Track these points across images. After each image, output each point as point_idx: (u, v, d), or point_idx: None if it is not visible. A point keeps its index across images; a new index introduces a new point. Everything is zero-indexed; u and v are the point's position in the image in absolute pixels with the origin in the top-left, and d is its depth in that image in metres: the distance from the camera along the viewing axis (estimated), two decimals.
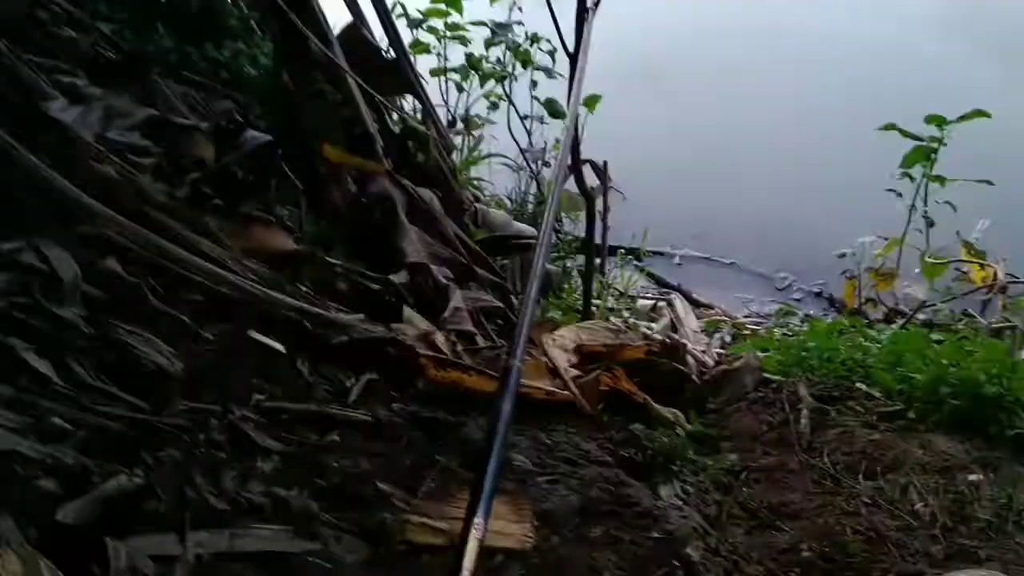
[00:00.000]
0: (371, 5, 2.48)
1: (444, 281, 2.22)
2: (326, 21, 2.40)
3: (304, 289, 1.86)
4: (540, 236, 1.70)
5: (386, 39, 2.76)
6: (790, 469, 1.82)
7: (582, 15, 2.37)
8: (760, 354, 2.52)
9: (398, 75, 2.49)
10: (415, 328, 1.93)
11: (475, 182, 3.75)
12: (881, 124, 3.47)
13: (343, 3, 2.58)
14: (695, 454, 1.84)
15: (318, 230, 2.17)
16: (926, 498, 1.65)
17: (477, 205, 3.04)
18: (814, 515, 1.65)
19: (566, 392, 1.90)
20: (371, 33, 2.61)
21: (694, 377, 2.33)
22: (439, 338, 1.93)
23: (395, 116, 2.73)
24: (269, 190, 2.04)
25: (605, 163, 4.23)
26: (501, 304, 2.37)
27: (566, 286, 3.68)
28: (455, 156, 4.00)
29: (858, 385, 2.25)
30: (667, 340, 2.72)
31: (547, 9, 2.44)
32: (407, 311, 2.00)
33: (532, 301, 1.38)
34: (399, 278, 2.14)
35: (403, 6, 3.92)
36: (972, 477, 1.72)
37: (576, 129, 2.87)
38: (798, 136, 5.29)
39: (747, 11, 6.60)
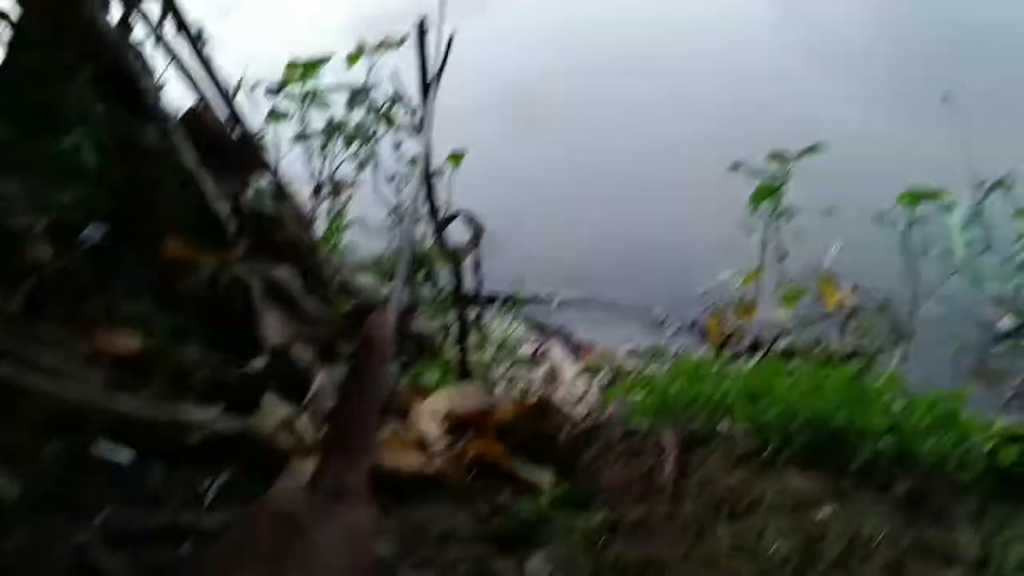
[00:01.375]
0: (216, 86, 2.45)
1: (307, 362, 2.20)
2: (162, 107, 2.37)
3: (154, 390, 1.82)
4: (392, 300, 1.72)
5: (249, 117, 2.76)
6: (656, 521, 1.87)
7: (426, 88, 2.42)
8: (630, 399, 2.59)
9: (247, 154, 2.48)
10: (276, 416, 1.92)
11: (342, 249, 3.74)
12: (761, 154, 3.65)
13: (189, 86, 2.55)
14: (565, 516, 1.87)
15: (170, 324, 2.12)
16: (780, 538, 1.72)
17: (342, 274, 3.04)
18: (679, 567, 1.69)
19: (435, 465, 1.91)
20: (228, 111, 2.60)
21: (565, 434, 2.37)
22: (302, 423, 1.92)
23: (252, 194, 2.71)
24: (114, 288, 2.00)
25: (471, 218, 4.31)
26: None
27: (444, 344, 3.69)
28: (320, 224, 4.01)
29: (722, 424, 2.33)
30: (540, 397, 2.76)
31: (410, 65, 2.49)
32: (267, 399, 1.98)
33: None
34: (259, 365, 2.12)
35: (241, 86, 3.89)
36: (823, 512, 1.80)
37: (431, 188, 2.90)
38: (669, 170, 5.47)
39: (620, 45, 6.85)
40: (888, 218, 3.80)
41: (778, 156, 3.57)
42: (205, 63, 2.38)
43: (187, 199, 2.34)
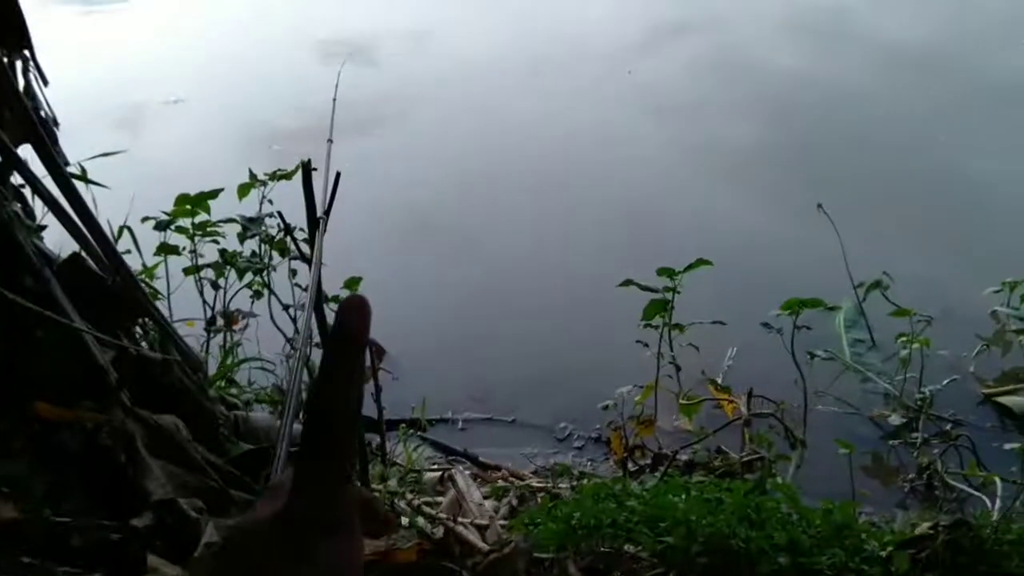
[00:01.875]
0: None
1: (194, 515, 2.11)
2: (43, 255, 2.31)
3: (26, 560, 1.71)
4: (279, 444, 1.68)
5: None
6: None
7: (313, 225, 2.43)
8: (533, 528, 2.56)
9: (128, 300, 2.42)
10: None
11: (233, 389, 3.65)
12: (657, 267, 3.74)
13: (67, 234, 2.49)
14: None
15: (46, 485, 2.01)
16: None
17: (237, 413, 2.95)
18: None
19: None
20: (108, 255, 2.54)
21: (469, 569, 2.32)
22: None
23: (140, 340, 2.64)
24: None
25: (370, 342, 4.28)
26: None
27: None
28: (213, 360, 3.91)
29: (626, 548, 2.32)
30: (444, 529, 2.71)
31: (301, 196, 2.48)
32: (152, 558, 1.89)
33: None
34: (143, 521, 2.02)
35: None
36: None
37: (323, 318, 2.88)
38: (562, 285, 5.56)
39: (514, 162, 7.04)
40: (775, 324, 3.94)
41: (667, 271, 3.68)
42: (83, 208, 2.34)
43: (66, 350, 2.26)
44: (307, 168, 2.34)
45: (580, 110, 7.78)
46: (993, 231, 5.56)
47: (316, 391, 0.63)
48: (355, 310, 0.63)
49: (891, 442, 4.13)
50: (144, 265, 4.02)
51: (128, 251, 3.84)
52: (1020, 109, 7.05)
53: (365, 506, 0.63)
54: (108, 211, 3.42)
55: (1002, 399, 4.24)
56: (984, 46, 8.27)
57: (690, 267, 3.65)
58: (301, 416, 3.87)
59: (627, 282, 3.71)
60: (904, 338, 4.25)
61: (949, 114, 7.09)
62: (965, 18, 9.06)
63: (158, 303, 4.00)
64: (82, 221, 2.35)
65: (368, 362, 4.25)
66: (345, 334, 0.63)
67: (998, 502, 3.42)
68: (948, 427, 4.07)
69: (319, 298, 2.70)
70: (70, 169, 3.04)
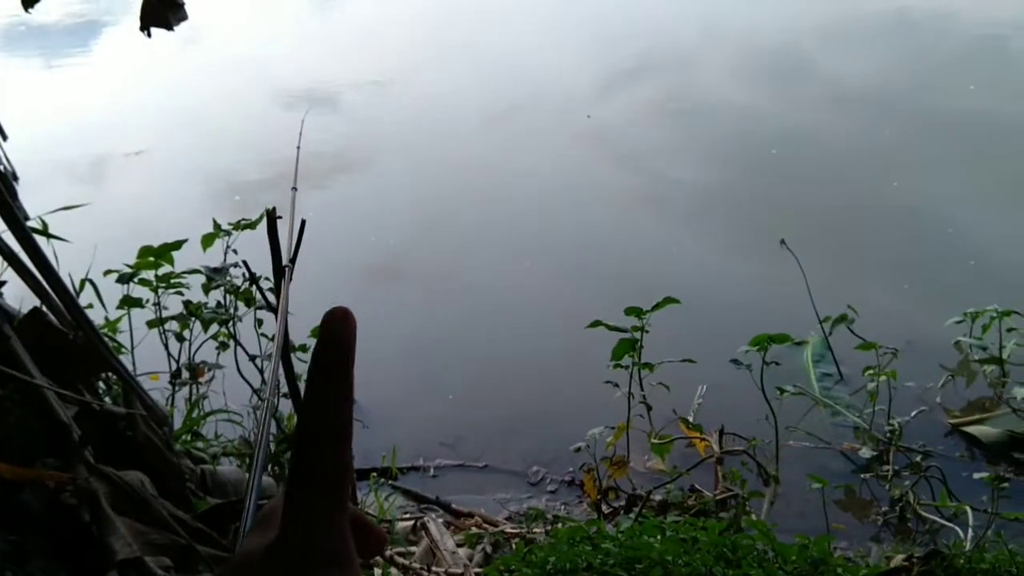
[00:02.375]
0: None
1: (161, 573, 2.05)
2: (3, 310, 2.27)
3: None
4: (247, 497, 1.64)
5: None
6: None
7: (279, 273, 2.41)
8: (508, 575, 2.53)
9: (90, 356, 2.38)
10: None
11: (200, 443, 3.58)
12: (623, 305, 3.76)
13: (28, 289, 2.45)
14: None
15: (7, 546, 1.95)
16: None
17: (204, 467, 2.90)
18: None
19: None
20: (68, 310, 2.50)
21: None
22: None
23: (103, 395, 2.59)
24: None
25: None
26: None
27: None
28: (179, 413, 3.85)
29: None
30: None
31: (266, 245, 2.46)
32: None
33: None
34: None
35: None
36: None
37: (290, 368, 2.85)
38: (530, 329, 5.56)
39: (474, 207, 7.06)
40: (744, 360, 3.96)
41: (635, 310, 3.70)
42: (43, 262, 2.30)
43: (27, 407, 2.21)
44: (272, 216, 2.33)
45: (542, 155, 7.85)
46: (951, 263, 5.67)
47: (305, 405, 0.60)
48: (340, 320, 0.59)
49: (863, 475, 4.15)
50: (107, 319, 3.97)
51: (91, 305, 3.80)
52: (970, 146, 7.23)
53: (355, 523, 0.61)
54: (70, 264, 3.38)
55: (969, 428, 4.29)
56: (933, 87, 8.49)
57: (657, 306, 3.68)
58: (270, 469, 3.82)
59: (595, 323, 3.72)
60: (871, 371, 4.29)
61: (902, 151, 7.24)
62: (914, 60, 9.30)
63: (122, 357, 3.95)
64: (43, 275, 2.31)
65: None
66: (332, 344, 0.60)
67: (970, 531, 3.45)
68: (918, 458, 4.11)
69: (286, 346, 2.68)
70: (31, 223, 3.01)
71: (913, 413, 4.35)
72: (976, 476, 3.74)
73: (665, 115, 8.55)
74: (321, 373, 0.57)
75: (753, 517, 3.23)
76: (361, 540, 0.60)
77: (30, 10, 2.58)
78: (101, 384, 2.79)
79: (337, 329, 0.58)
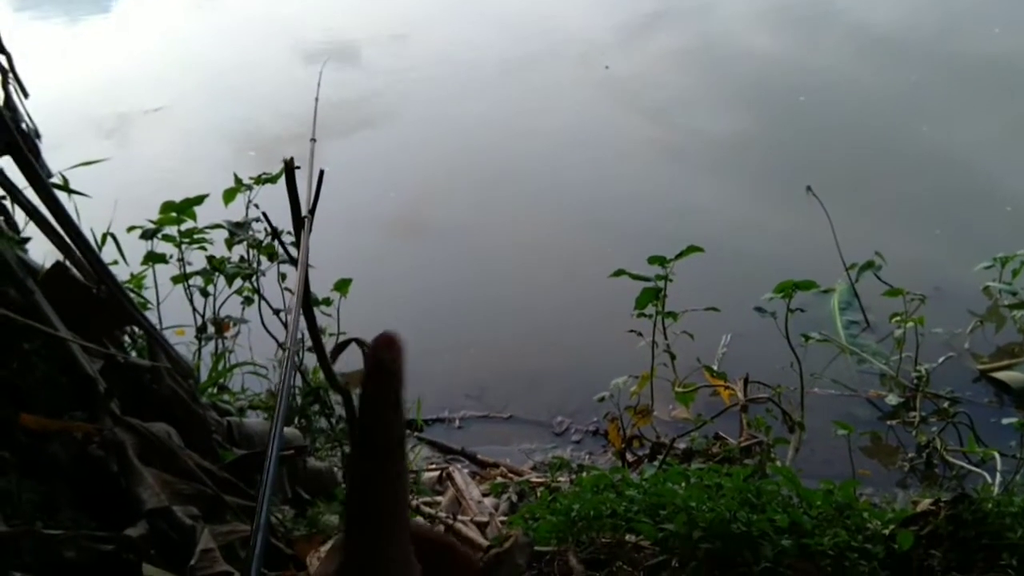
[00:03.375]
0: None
1: (189, 522, 2.08)
2: (27, 266, 2.28)
3: (19, 575, 1.68)
4: (269, 448, 1.65)
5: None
6: None
7: (299, 224, 2.40)
8: (533, 522, 2.54)
9: (114, 309, 2.39)
10: None
11: (226, 396, 3.61)
12: (646, 257, 3.72)
13: (51, 245, 2.46)
14: None
15: (37, 497, 1.98)
16: None
17: (230, 419, 2.92)
18: None
19: None
20: (92, 264, 2.50)
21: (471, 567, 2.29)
22: None
23: (128, 349, 2.61)
24: None
25: (364, 344, 4.26)
26: None
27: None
28: (205, 366, 3.89)
29: (627, 538, 2.30)
30: (444, 528, 2.68)
31: (287, 200, 2.45)
32: (147, 568, 1.86)
33: (263, 525, 1.33)
34: (137, 530, 1.98)
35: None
36: None
37: (315, 323, 2.85)
38: (553, 280, 5.54)
39: (495, 159, 7.02)
40: (769, 308, 3.92)
41: (658, 259, 3.66)
42: (65, 218, 2.31)
43: (53, 361, 2.23)
44: (290, 166, 2.31)
45: (563, 106, 7.76)
46: (980, 208, 5.56)
47: (358, 428, 0.59)
48: (387, 346, 0.59)
49: (889, 422, 4.12)
50: (132, 274, 3.99)
51: (115, 261, 3.82)
52: (995, 91, 7.05)
53: (439, 548, 0.59)
54: (91, 220, 3.40)
55: (998, 374, 4.24)
56: (959, 31, 8.26)
57: (681, 254, 3.64)
58: (296, 421, 3.85)
59: (619, 272, 3.69)
60: (898, 318, 4.24)
61: (929, 96, 7.09)
62: (940, 3, 9.06)
63: (148, 313, 3.98)
64: (65, 231, 2.31)
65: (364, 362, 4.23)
66: (380, 370, 0.59)
67: (998, 476, 3.42)
68: (945, 405, 4.07)
69: (307, 298, 2.67)
70: (53, 180, 3.01)
71: (941, 359, 4.30)
72: (1005, 422, 3.70)
73: (687, 63, 8.41)
74: (371, 398, 0.56)
75: (778, 464, 3.22)
76: (445, 566, 0.59)
77: None
78: (126, 338, 2.81)
79: (384, 355, 0.57)
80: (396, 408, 0.57)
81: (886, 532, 2.23)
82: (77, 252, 2.41)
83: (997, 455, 3.46)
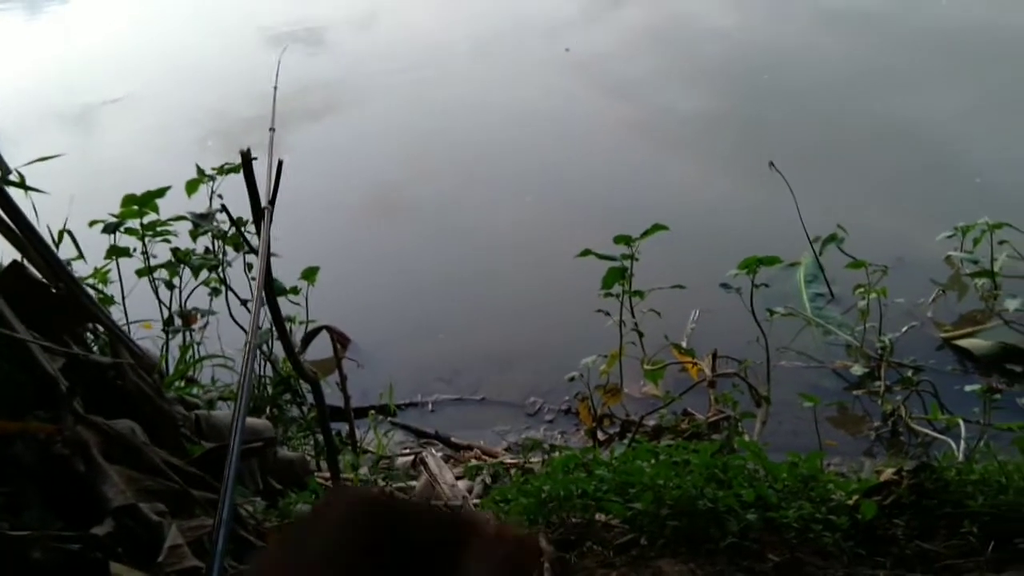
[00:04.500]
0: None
1: (156, 518, 2.07)
2: None
3: None
4: (231, 441, 1.64)
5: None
6: None
7: (258, 215, 2.38)
8: (505, 505, 2.56)
9: (74, 307, 2.36)
10: None
11: (195, 389, 3.59)
12: (611, 237, 3.73)
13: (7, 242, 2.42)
14: None
15: (2, 499, 1.97)
16: None
17: (198, 412, 2.91)
18: None
19: None
20: (50, 263, 2.47)
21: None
22: None
23: (91, 346, 2.59)
24: None
25: (333, 331, 4.26)
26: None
27: (315, 468, 3.58)
28: (173, 361, 3.86)
29: (597, 517, 2.32)
30: None
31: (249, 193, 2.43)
32: (115, 567, 1.85)
33: (224, 525, 1.34)
34: (103, 529, 1.97)
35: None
36: None
37: (279, 313, 2.84)
38: (522, 261, 5.54)
39: (461, 142, 6.99)
40: (734, 284, 3.95)
41: (624, 238, 3.67)
42: (20, 216, 2.28)
43: (13, 361, 2.21)
44: (247, 158, 2.30)
45: (530, 87, 7.75)
46: (941, 180, 5.63)
47: None
48: (529, 548, 0.57)
49: (855, 392, 4.18)
50: (96, 269, 3.95)
51: (79, 256, 3.78)
52: (950, 64, 7.12)
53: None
54: (52, 215, 3.36)
55: (961, 342, 4.31)
56: (909, 5, 8.32)
57: (646, 233, 3.65)
58: (268, 411, 3.84)
59: (585, 252, 3.70)
60: (861, 289, 4.29)
61: (888, 71, 7.13)
62: None
63: (113, 308, 3.95)
64: (20, 229, 2.28)
65: (334, 348, 4.23)
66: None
67: (962, 443, 3.48)
68: (910, 373, 4.12)
69: (270, 288, 2.67)
70: (10, 176, 2.97)
71: (904, 329, 4.36)
72: (968, 388, 3.77)
73: (653, 43, 8.42)
74: None
75: (746, 438, 3.26)
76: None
77: None
78: (90, 335, 2.79)
79: (522, 559, 0.55)
80: None
81: (850, 503, 2.27)
82: (33, 250, 2.38)
83: (961, 422, 3.52)
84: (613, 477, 2.47)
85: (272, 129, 2.78)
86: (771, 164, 5.05)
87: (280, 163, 2.49)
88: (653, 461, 2.49)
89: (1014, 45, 7.07)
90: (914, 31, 7.70)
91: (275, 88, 3.08)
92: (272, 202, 2.42)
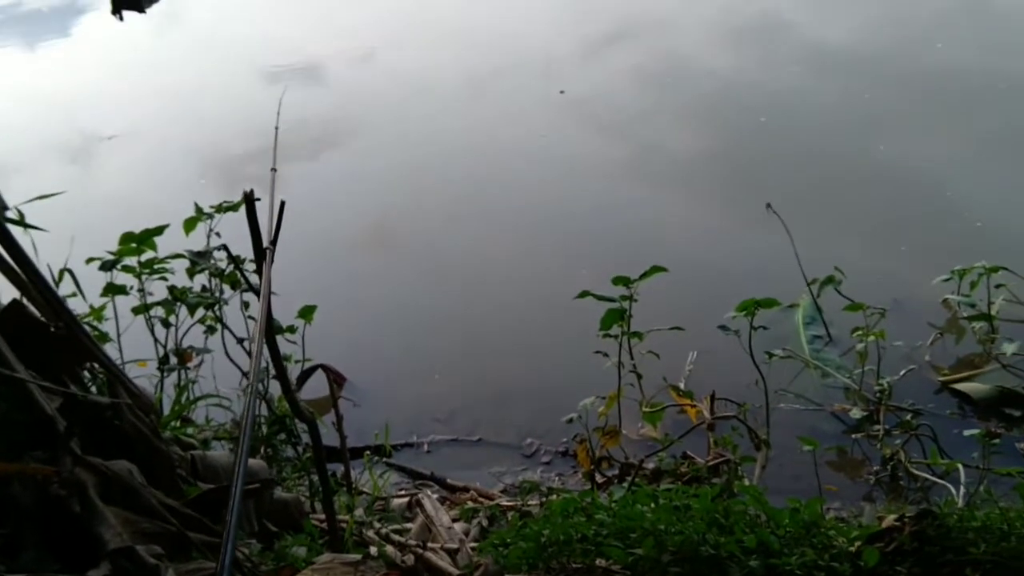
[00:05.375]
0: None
1: (153, 561, 2.04)
2: None
3: None
4: (233, 488, 1.63)
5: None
6: None
7: (260, 256, 2.38)
8: (503, 549, 2.53)
9: (73, 346, 2.35)
10: None
11: (190, 428, 3.56)
12: (610, 275, 3.73)
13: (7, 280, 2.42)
14: None
15: (0, 541, 1.95)
16: None
17: (194, 453, 2.89)
18: None
19: None
20: (48, 301, 2.46)
21: None
22: None
23: (89, 385, 2.58)
24: None
25: (330, 370, 4.24)
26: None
27: (309, 510, 3.54)
28: (168, 400, 3.84)
29: (597, 563, 2.30)
30: (412, 561, 2.66)
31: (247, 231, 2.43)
32: None
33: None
34: (100, 571, 1.95)
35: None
36: None
37: (279, 355, 2.83)
38: (519, 301, 5.54)
39: (459, 179, 7.01)
40: (733, 326, 3.95)
41: (623, 279, 3.68)
42: (20, 254, 2.27)
43: (11, 401, 2.19)
44: (250, 199, 2.30)
45: (527, 124, 7.79)
46: (937, 222, 5.66)
47: None
48: None
49: (854, 435, 4.17)
50: (92, 307, 3.93)
51: (74, 294, 3.77)
52: (944, 107, 7.19)
53: None
54: (50, 251, 3.35)
55: (959, 386, 4.31)
56: (904, 47, 8.42)
57: (645, 275, 3.65)
58: (262, 451, 3.80)
59: (584, 293, 3.70)
60: (860, 332, 4.29)
61: (883, 113, 7.19)
62: (887, 21, 9.20)
63: (108, 345, 3.93)
64: (21, 268, 2.28)
65: (331, 388, 4.20)
66: None
67: (962, 488, 3.47)
68: (908, 417, 4.12)
69: (270, 329, 2.66)
70: (8, 213, 2.97)
71: (902, 372, 4.35)
72: (967, 433, 3.75)
73: (647, 82, 8.48)
74: None
75: (746, 482, 3.24)
76: None
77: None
78: (87, 374, 2.77)
79: None
80: None
81: (852, 549, 2.25)
82: (33, 288, 2.38)
83: (960, 467, 3.51)
84: (613, 522, 2.45)
85: (274, 169, 2.79)
86: (768, 206, 5.08)
87: (282, 204, 2.50)
88: (653, 505, 2.48)
89: (1008, 90, 7.15)
90: (910, 74, 7.78)
91: (276, 128, 3.10)
92: (274, 243, 2.42)
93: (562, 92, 8.19)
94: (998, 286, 4.53)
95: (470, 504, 4.04)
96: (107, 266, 3.94)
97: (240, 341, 4.15)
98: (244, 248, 2.80)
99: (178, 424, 3.57)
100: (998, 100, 7.06)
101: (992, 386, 4.22)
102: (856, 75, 7.89)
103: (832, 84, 7.87)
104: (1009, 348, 4.23)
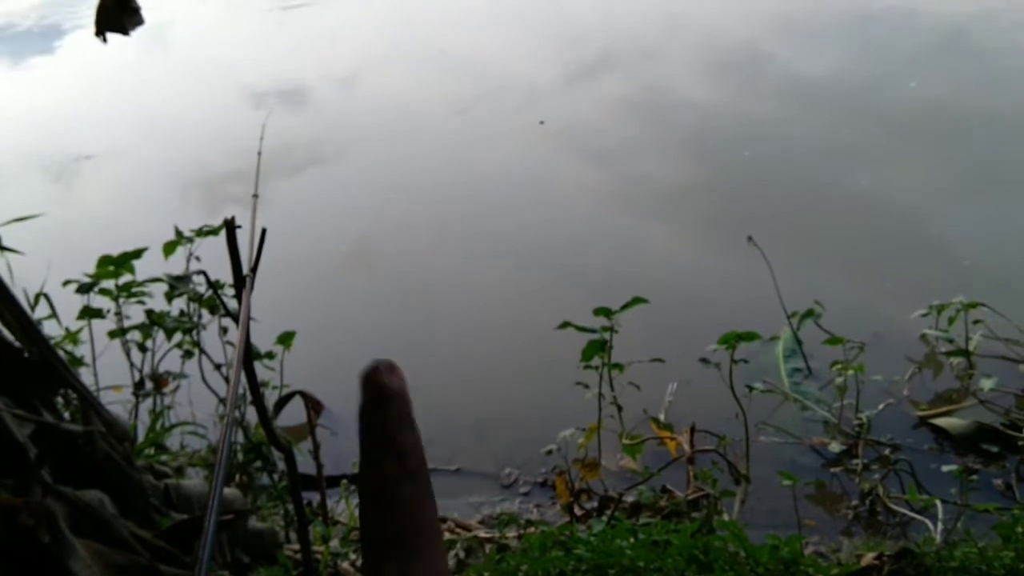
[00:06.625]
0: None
1: None
2: None
3: None
4: (208, 517, 1.59)
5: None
6: None
7: (240, 284, 2.36)
8: None
9: (47, 373, 2.31)
10: None
11: (164, 456, 3.51)
12: (593, 308, 3.72)
13: None
14: None
15: None
16: None
17: (167, 482, 2.84)
18: None
19: None
20: (20, 326, 2.43)
21: None
22: None
23: (62, 412, 2.53)
24: None
25: (308, 397, 4.20)
26: None
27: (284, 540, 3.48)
28: (142, 426, 3.78)
29: None
30: None
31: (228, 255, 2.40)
32: None
33: None
34: None
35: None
36: None
37: (256, 383, 2.79)
38: (499, 330, 5.52)
39: (439, 207, 7.01)
40: (713, 358, 3.95)
41: (604, 311, 3.68)
42: None
43: None
44: (231, 227, 2.27)
45: (508, 151, 7.82)
46: (915, 255, 5.70)
47: (366, 462, 0.58)
48: (389, 371, 0.60)
49: (832, 469, 4.16)
50: (67, 330, 3.88)
51: (49, 316, 3.72)
52: (915, 138, 7.28)
53: None
54: (26, 273, 3.31)
55: (937, 421, 4.32)
56: (880, 83, 8.51)
57: (626, 306, 3.66)
58: (237, 478, 3.75)
59: (564, 324, 3.70)
60: (839, 365, 4.31)
61: (862, 149, 7.26)
62: (865, 56, 9.32)
63: (83, 370, 3.88)
64: None
65: (308, 415, 4.16)
66: (388, 394, 0.58)
67: (939, 524, 3.46)
68: (887, 451, 4.12)
69: (248, 358, 2.63)
70: None
71: (881, 406, 4.36)
72: (945, 468, 3.77)
73: (628, 112, 8.54)
74: (385, 423, 0.55)
75: (725, 516, 3.23)
76: None
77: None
78: (60, 400, 2.73)
79: (387, 380, 0.57)
80: (413, 429, 0.59)
81: None
82: (6, 313, 2.34)
83: (938, 503, 3.51)
84: (592, 557, 2.43)
85: (255, 195, 2.77)
86: (749, 238, 5.10)
87: (264, 231, 2.47)
88: (632, 540, 2.46)
89: (980, 127, 7.24)
90: (885, 110, 7.87)
91: (259, 154, 3.08)
92: (254, 270, 2.40)
93: (542, 123, 8.23)
94: (976, 322, 4.56)
95: (447, 535, 3.99)
96: (84, 288, 3.91)
97: (218, 367, 4.11)
98: (224, 270, 2.78)
99: (152, 452, 3.51)
100: (971, 136, 7.16)
101: (970, 421, 4.24)
102: (833, 109, 7.98)
103: (809, 116, 7.95)
104: (987, 384, 4.25)
